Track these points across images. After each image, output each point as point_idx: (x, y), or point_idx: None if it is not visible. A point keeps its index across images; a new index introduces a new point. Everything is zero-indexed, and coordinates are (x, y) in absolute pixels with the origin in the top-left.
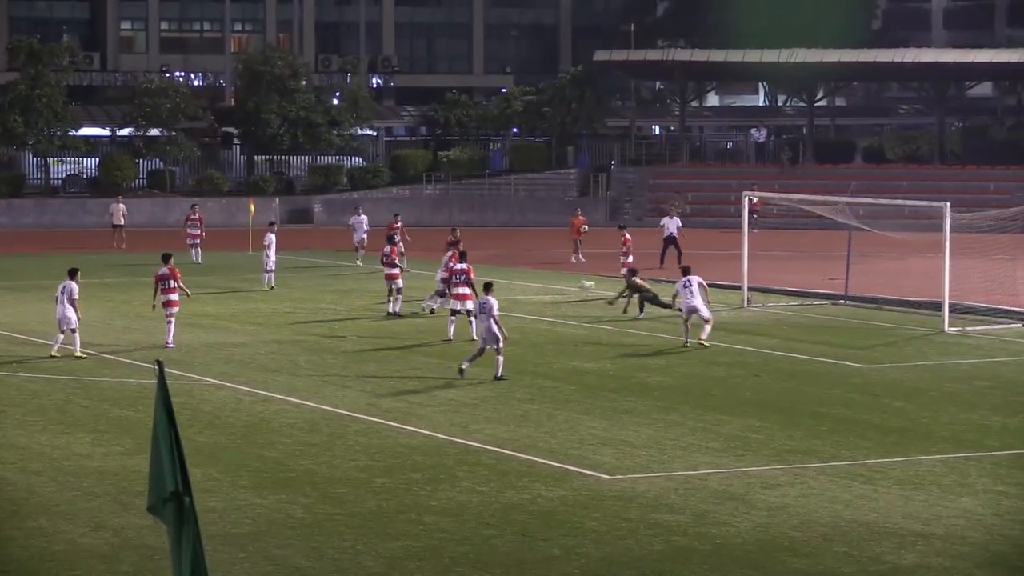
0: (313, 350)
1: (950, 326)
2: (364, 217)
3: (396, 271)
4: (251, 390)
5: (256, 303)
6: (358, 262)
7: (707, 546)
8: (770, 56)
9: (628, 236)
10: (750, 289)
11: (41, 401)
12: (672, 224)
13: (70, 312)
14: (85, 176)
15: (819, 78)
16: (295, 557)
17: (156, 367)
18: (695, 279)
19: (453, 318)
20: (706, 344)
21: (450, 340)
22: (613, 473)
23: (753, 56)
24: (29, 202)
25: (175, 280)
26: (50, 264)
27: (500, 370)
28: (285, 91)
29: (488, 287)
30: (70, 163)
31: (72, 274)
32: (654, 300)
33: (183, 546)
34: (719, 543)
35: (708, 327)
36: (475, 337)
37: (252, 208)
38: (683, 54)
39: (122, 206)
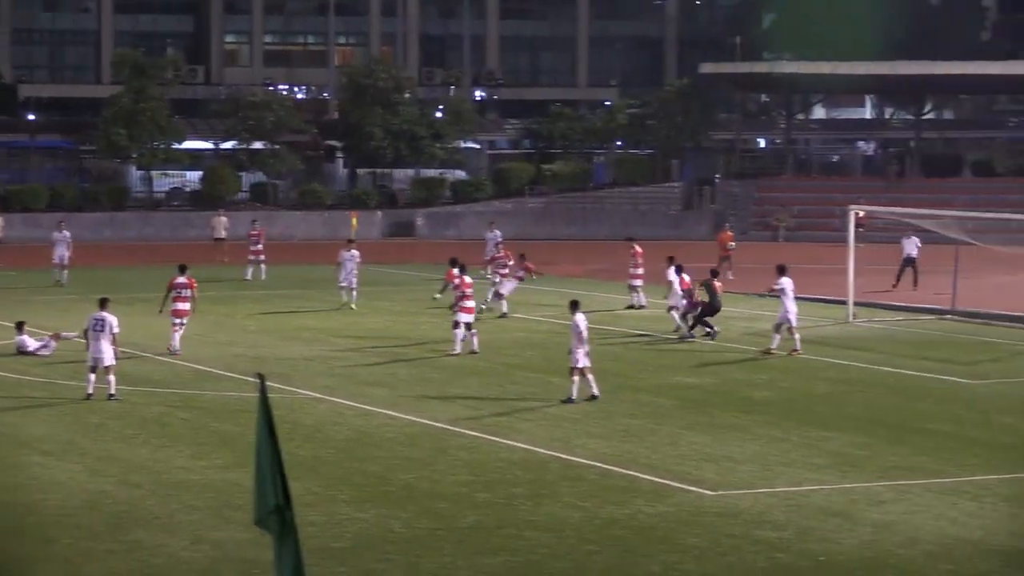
0: (414, 364)
1: None
2: (498, 232)
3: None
4: (352, 404)
5: (356, 317)
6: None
7: (810, 563)
8: (877, 68)
9: (639, 248)
10: (855, 304)
11: (142, 414)
12: (911, 244)
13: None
14: (188, 189)
15: (927, 90)
16: (394, 572)
17: (257, 380)
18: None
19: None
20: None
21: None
22: (715, 489)
23: (860, 68)
24: (132, 215)
25: (191, 290)
26: (153, 277)
27: (595, 388)
28: (388, 104)
29: (575, 305)
30: (173, 176)
31: (104, 303)
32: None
33: (283, 560)
34: (823, 560)
35: (798, 336)
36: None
37: (354, 221)
38: (789, 66)
39: (224, 219)
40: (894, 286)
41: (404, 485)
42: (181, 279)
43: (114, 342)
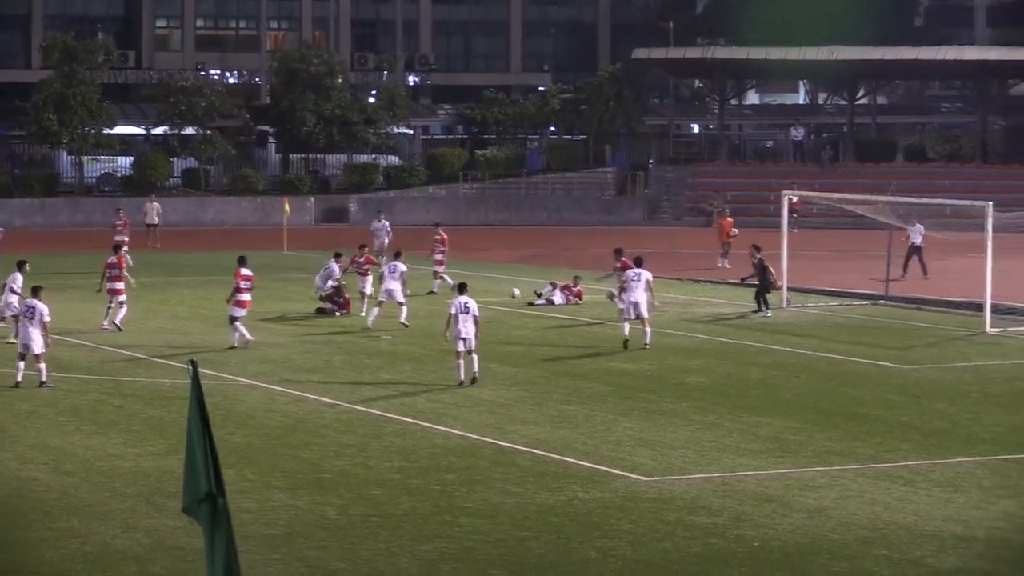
0: (348, 351)
1: (992, 327)
2: (386, 223)
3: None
4: (286, 390)
5: (291, 303)
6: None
7: (745, 549)
8: (811, 54)
9: (444, 235)
10: (789, 289)
11: (74, 401)
12: (915, 232)
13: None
14: (119, 175)
15: (860, 76)
16: (329, 559)
17: (190, 367)
18: (645, 274)
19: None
20: (648, 345)
21: (235, 347)
22: (650, 475)
23: (793, 54)
24: (63, 201)
25: (120, 268)
26: (84, 263)
27: (476, 368)
28: (321, 89)
29: (463, 287)
30: (104, 162)
31: (37, 292)
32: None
33: (216, 547)
34: (757, 546)
35: (648, 329)
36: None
37: (286, 207)
38: (722, 52)
39: (156, 205)
40: (903, 275)
41: (338, 472)
42: (112, 259)
43: (44, 330)
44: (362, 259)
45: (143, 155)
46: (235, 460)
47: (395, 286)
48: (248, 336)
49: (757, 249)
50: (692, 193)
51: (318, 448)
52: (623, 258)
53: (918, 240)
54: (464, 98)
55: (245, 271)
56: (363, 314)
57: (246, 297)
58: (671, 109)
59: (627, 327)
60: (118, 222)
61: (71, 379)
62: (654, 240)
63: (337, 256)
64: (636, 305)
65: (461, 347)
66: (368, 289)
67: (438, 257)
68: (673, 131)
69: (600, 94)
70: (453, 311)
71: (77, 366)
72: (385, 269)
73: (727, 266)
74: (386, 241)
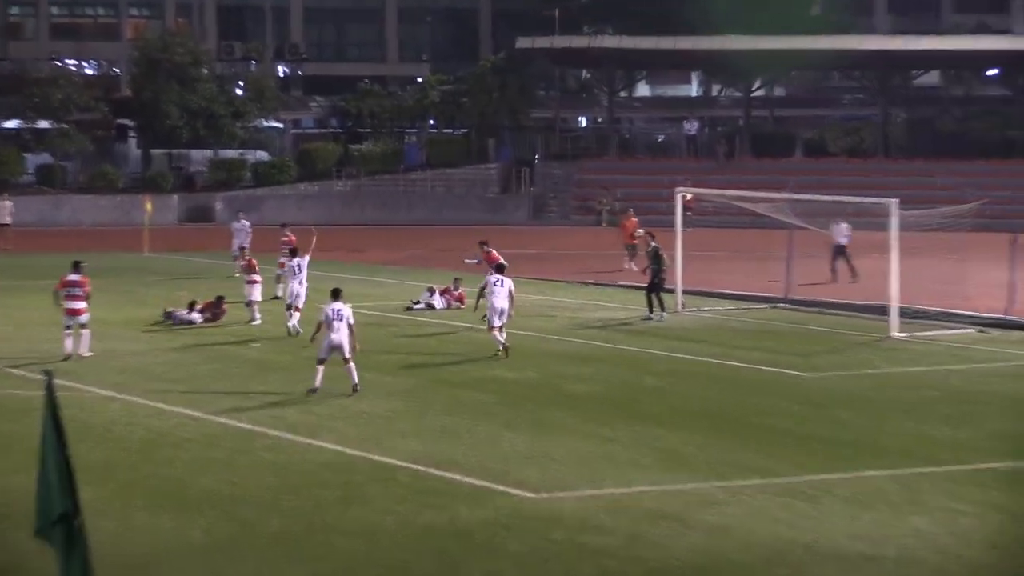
0: (215, 359)
1: (898, 331)
2: (246, 223)
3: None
4: (147, 402)
5: (152, 308)
6: (236, 273)
7: (640, 570)
8: (704, 43)
9: (292, 236)
10: (684, 292)
11: None
12: (839, 231)
13: None
14: None
15: (756, 67)
16: None
17: (44, 378)
18: (507, 282)
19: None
20: (507, 349)
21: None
22: (538, 491)
23: (685, 43)
24: None
25: None
26: None
27: (355, 378)
28: (185, 80)
29: (336, 293)
30: None
31: None
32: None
33: (71, 572)
34: (653, 567)
35: (504, 332)
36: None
37: (148, 206)
38: (611, 40)
39: (9, 203)
40: (832, 279)
41: (203, 490)
42: None
43: None
44: (245, 263)
45: None
46: (92, 478)
47: (300, 289)
48: (67, 345)
49: (652, 236)
50: (579, 190)
51: (182, 464)
52: (487, 249)
53: (843, 240)
54: (338, 90)
55: (70, 276)
56: (255, 323)
57: (73, 304)
58: (557, 101)
59: (502, 335)
60: None
61: None
62: (540, 240)
63: (191, 306)
64: (502, 312)
65: (336, 355)
66: (257, 297)
67: (284, 260)
68: (559, 125)
69: (482, 85)
70: (324, 318)
71: None
72: (290, 269)
73: (634, 268)
74: (247, 242)
